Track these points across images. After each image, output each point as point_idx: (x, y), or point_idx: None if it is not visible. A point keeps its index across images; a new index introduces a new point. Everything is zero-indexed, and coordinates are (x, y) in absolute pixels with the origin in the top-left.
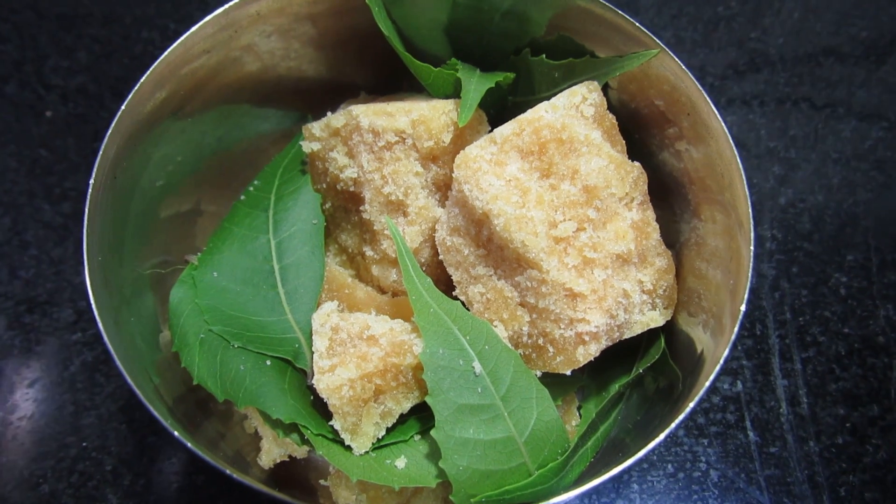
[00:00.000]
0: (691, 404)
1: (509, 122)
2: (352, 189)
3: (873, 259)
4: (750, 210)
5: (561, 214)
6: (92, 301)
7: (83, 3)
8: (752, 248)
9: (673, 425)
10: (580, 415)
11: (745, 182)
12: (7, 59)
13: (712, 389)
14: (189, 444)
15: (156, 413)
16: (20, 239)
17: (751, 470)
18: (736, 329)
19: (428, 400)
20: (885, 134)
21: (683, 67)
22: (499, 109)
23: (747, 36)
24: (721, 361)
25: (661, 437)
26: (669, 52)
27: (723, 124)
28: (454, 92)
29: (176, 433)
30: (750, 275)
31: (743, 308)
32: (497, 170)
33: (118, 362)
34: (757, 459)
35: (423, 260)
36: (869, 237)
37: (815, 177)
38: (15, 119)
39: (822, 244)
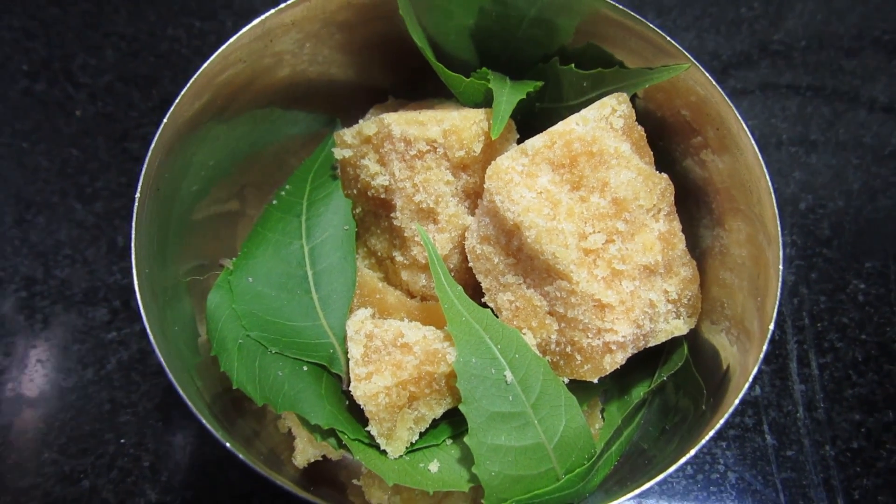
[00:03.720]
0: (720, 423)
1: (540, 134)
2: (383, 196)
3: (892, 266)
4: (779, 228)
5: (590, 227)
6: (144, 317)
7: (108, 0)
8: (780, 267)
9: (700, 444)
10: (603, 418)
11: (774, 200)
12: (35, 57)
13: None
14: (228, 446)
15: (201, 417)
16: (54, 238)
17: (768, 472)
18: (764, 349)
19: (461, 408)
20: None
21: (713, 82)
22: (526, 115)
23: (770, 38)
24: (748, 383)
25: (692, 453)
26: (700, 67)
27: (752, 141)
28: (484, 100)
29: (218, 435)
30: (779, 295)
31: (771, 327)
32: (528, 181)
33: (169, 374)
34: (774, 462)
35: (452, 265)
36: (888, 244)
37: (835, 182)
38: (45, 118)
39: (841, 250)
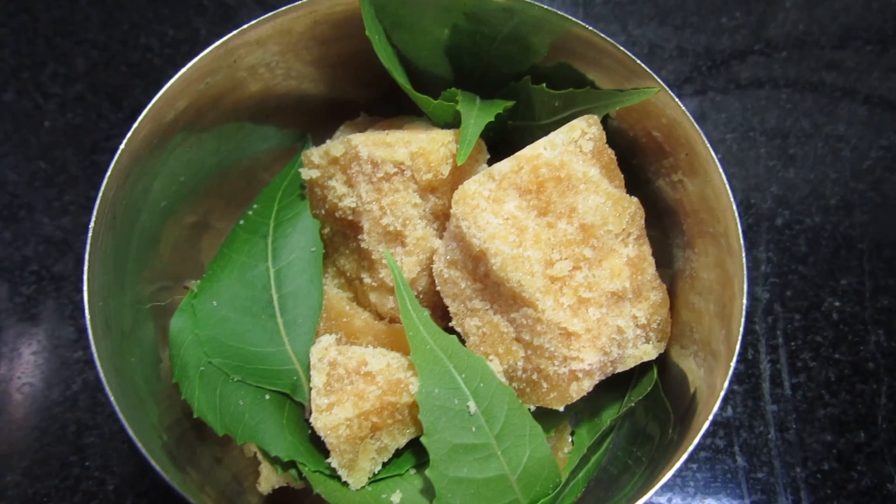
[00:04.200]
0: (687, 451)
1: (508, 158)
2: (350, 218)
3: (867, 284)
4: (744, 259)
5: (557, 253)
6: (95, 356)
7: (80, 7)
8: (744, 301)
9: (666, 476)
10: (573, 441)
11: (739, 228)
12: (4, 66)
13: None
14: (176, 486)
15: (150, 459)
16: (21, 254)
17: (737, 495)
18: (727, 380)
19: (423, 440)
20: (883, 154)
21: (683, 108)
22: (499, 132)
23: (751, 48)
24: (714, 411)
25: (658, 486)
26: (669, 91)
27: (720, 168)
28: (454, 120)
29: (167, 477)
30: (743, 324)
31: (733, 364)
32: (495, 207)
33: (120, 414)
34: (744, 484)
35: (420, 288)
36: (864, 261)
37: (812, 197)
38: (13, 129)
39: (816, 267)
